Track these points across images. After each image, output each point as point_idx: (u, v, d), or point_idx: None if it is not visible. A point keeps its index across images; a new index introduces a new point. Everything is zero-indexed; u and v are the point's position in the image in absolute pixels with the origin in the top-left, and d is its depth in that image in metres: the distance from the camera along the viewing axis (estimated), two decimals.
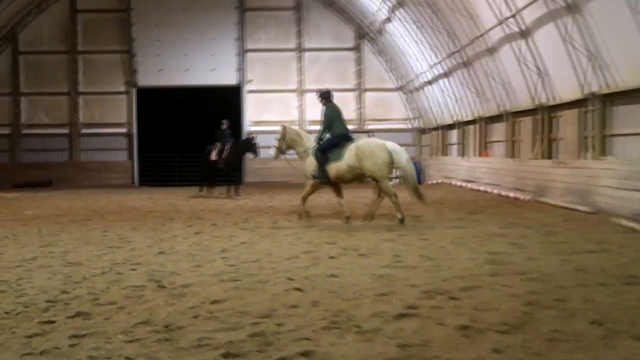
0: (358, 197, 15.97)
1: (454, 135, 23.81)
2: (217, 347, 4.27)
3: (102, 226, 11.56)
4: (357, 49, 28.17)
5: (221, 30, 27.96)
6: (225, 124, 19.50)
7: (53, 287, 6.26)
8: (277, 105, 27.92)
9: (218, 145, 19.18)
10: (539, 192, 15.10)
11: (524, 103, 16.86)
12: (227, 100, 27.51)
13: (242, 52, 28.05)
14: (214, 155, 19.11)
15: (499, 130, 19.33)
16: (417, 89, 26.82)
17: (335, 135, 11.33)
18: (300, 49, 28.08)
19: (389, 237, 9.36)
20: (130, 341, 4.43)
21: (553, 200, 13.91)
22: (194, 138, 25.42)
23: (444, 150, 24.93)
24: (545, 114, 15.69)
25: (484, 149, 20.45)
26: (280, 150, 11.93)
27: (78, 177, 27.30)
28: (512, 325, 4.62)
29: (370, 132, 25.71)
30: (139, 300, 5.67)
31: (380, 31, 26.79)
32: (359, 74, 28.15)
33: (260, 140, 19.35)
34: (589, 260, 7.23)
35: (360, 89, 28.19)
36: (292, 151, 12.16)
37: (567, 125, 14.45)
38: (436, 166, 25.35)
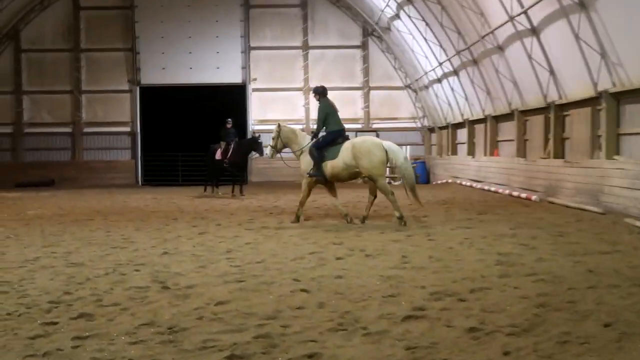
0: (360, 197, 15.87)
1: (462, 134, 23.70)
2: (222, 349, 4.26)
3: (105, 226, 11.54)
4: (363, 46, 28.07)
5: (226, 28, 27.88)
6: (229, 123, 19.44)
7: (56, 288, 6.23)
8: (282, 104, 27.86)
9: (222, 144, 19.12)
10: (549, 192, 14.99)
11: (534, 101, 16.76)
12: (232, 99, 27.50)
13: (247, 50, 28.00)
14: (218, 155, 19.06)
15: (508, 129, 19.22)
16: (425, 87, 26.72)
17: (330, 131, 11.28)
18: (305, 47, 28.01)
19: (396, 238, 9.31)
20: (134, 343, 4.42)
21: (564, 201, 13.81)
22: (198, 137, 25.41)
23: (452, 149, 24.80)
24: (555, 113, 15.57)
25: (493, 148, 20.32)
26: (276, 149, 11.87)
27: (81, 177, 27.29)
28: (522, 327, 4.59)
29: (377, 132, 25.68)
30: (142, 301, 5.65)
31: (387, 28, 26.69)
32: (366, 72, 28.06)
33: (265, 140, 19.28)
34: (600, 261, 7.16)
35: (366, 87, 28.09)
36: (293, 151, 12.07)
37: (578, 124, 14.34)
38: (444, 165, 25.23)
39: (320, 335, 4.51)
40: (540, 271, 6.59)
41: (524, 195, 15.81)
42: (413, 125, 28.18)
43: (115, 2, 27.99)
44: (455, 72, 22.17)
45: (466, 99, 22.18)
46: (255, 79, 28.03)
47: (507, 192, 17.22)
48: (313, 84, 27.07)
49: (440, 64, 22.65)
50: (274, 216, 12.95)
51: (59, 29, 27.74)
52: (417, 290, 5.85)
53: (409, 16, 22.83)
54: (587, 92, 13.57)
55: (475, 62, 19.99)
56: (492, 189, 18.40)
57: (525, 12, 14.76)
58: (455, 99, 23.38)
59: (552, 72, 15.16)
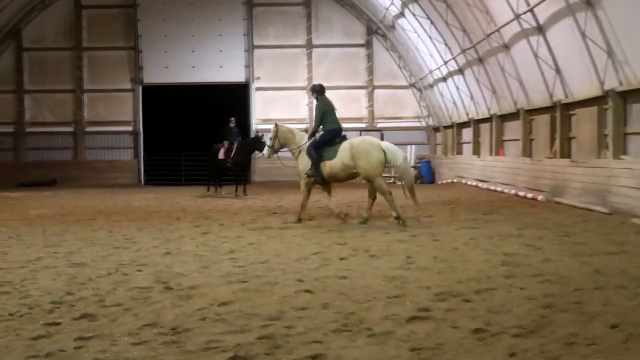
0: (363, 197, 15.83)
1: (467, 133, 23.63)
2: (225, 350, 4.24)
3: (107, 226, 11.53)
4: (367, 45, 28.00)
5: (229, 26, 27.82)
6: (232, 122, 19.42)
7: (58, 288, 6.22)
8: (285, 103, 27.82)
9: (226, 143, 19.10)
10: (555, 192, 14.91)
11: (540, 100, 16.69)
12: (235, 98, 27.48)
13: (250, 49, 27.95)
14: (221, 154, 19.03)
15: (513, 129, 19.15)
16: (429, 86, 26.64)
17: (327, 130, 11.25)
18: (309, 45, 27.96)
19: (400, 238, 9.27)
20: (137, 343, 4.40)
21: (570, 201, 13.74)
22: (200, 136, 25.42)
23: (457, 148, 24.73)
24: (561, 112, 15.49)
25: (499, 147, 20.25)
26: (273, 149, 11.84)
27: (83, 176, 27.20)
28: (528, 328, 4.56)
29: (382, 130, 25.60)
30: (145, 302, 5.63)
31: (391, 26, 26.60)
32: (370, 70, 27.99)
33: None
34: (607, 262, 7.11)
35: (371, 86, 28.02)
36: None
37: (584, 123, 14.27)
38: (449, 165, 25.16)
39: (324, 336, 4.49)
40: (546, 272, 6.54)
41: (529, 195, 15.73)
42: (418, 124, 28.10)
43: (117, 0, 27.96)
44: (461, 71, 22.10)
45: (471, 97, 22.10)
46: (259, 78, 27.99)
47: (512, 192, 17.14)
48: (316, 82, 27.06)
49: (446, 62, 22.57)
50: (277, 216, 12.93)
51: (61, 27, 27.69)
52: (422, 291, 5.81)
53: (414, 14, 22.76)
54: (594, 91, 13.50)
55: (480, 60, 19.91)
56: (498, 189, 18.33)
57: (531, 10, 14.69)
58: (460, 98, 23.29)
59: (558, 70, 15.09)
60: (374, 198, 11.21)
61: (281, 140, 11.75)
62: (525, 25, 15.59)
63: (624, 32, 11.78)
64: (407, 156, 11.42)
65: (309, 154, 11.18)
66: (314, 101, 29.10)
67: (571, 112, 15.27)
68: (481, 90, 20.91)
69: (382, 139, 26.52)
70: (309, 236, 9.66)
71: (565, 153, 15.43)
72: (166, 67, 27.68)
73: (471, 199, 16.35)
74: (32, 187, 24.95)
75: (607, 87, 12.90)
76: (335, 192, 16.19)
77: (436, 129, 27.58)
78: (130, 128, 28.05)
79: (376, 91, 28.03)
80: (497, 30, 17.13)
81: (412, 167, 26.33)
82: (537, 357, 3.97)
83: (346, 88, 27.08)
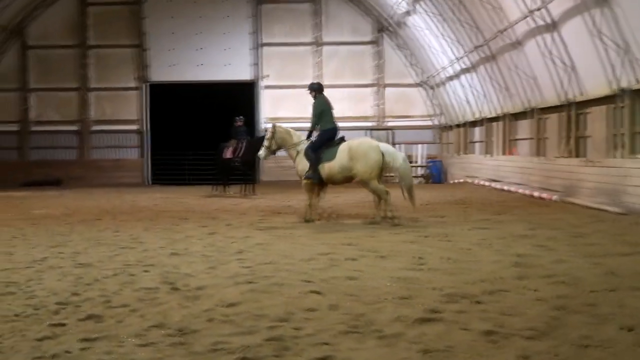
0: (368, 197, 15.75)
1: (477, 132, 23.48)
2: (233, 351, 4.21)
3: (113, 226, 11.50)
4: (376, 42, 27.88)
5: (236, 24, 27.76)
6: (240, 121, 19.38)
7: (64, 288, 6.19)
8: (293, 102, 27.64)
9: (233, 142, 19.06)
10: (567, 192, 14.77)
11: (551, 99, 16.56)
12: (242, 96, 27.46)
13: (257, 47, 27.88)
14: (228, 153, 19.00)
15: (524, 128, 19.02)
16: (439, 85, 26.49)
17: (323, 130, 11.19)
18: (317, 43, 27.86)
19: (410, 239, 9.20)
20: (143, 345, 4.38)
21: (582, 201, 13.61)
22: (207, 135, 25.39)
23: (467, 148, 24.58)
24: (573, 111, 15.35)
25: (511, 146, 20.10)
26: (270, 150, 11.79)
27: (88, 176, 27.07)
28: (540, 330, 4.51)
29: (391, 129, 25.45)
30: (152, 302, 5.60)
31: (400, 24, 26.45)
32: (378, 68, 27.85)
33: None
34: (620, 263, 7.02)
35: (379, 85, 27.90)
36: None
37: (596, 122, 14.15)
38: (459, 165, 25.03)
39: (333, 338, 4.44)
40: (558, 273, 6.46)
41: (543, 195, 15.59)
42: (428, 123, 27.93)
43: None
44: (470, 69, 21.95)
45: (484, 96, 21.93)
46: (267, 76, 27.90)
47: (525, 191, 17.00)
48: (325, 81, 26.98)
49: (458, 59, 22.40)
50: (285, 216, 12.87)
51: (66, 25, 27.61)
52: (432, 292, 5.75)
53: (424, 11, 22.58)
54: (605, 89, 13.38)
55: (493, 57, 19.75)
56: (510, 188, 18.18)
57: (544, 7, 14.55)
58: (473, 96, 23.11)
59: (571, 68, 14.93)
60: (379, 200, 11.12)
61: (278, 141, 11.74)
62: (537, 23, 15.46)
63: (636, 30, 11.68)
64: (406, 157, 11.33)
65: (307, 156, 11.14)
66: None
67: (584, 111, 15.12)
68: (494, 88, 20.75)
69: (392, 137, 26.67)
70: (317, 237, 9.61)
71: (578, 152, 15.29)
72: (172, 66, 27.61)
73: (483, 199, 16.24)
74: (37, 186, 24.85)
75: (621, 85, 12.75)
76: (340, 193, 16.23)
77: (447, 128, 27.41)
78: (136, 127, 28.00)
79: (385, 89, 27.89)
80: (508, 28, 17.00)
81: (423, 166, 26.31)
82: None
83: (355, 86, 26.96)
